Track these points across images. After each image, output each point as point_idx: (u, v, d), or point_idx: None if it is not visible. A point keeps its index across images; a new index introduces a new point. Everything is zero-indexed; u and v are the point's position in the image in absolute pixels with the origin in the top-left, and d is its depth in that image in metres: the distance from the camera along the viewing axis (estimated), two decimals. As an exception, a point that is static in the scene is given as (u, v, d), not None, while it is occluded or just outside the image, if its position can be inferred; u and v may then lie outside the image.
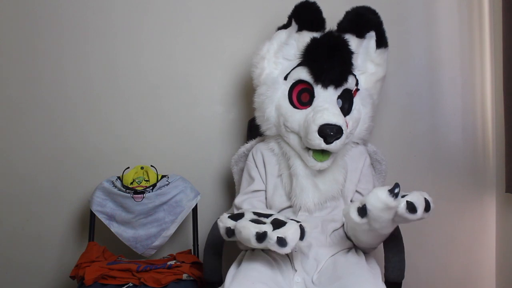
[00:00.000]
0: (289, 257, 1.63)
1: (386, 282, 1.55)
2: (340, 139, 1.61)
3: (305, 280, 1.55)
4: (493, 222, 2.20)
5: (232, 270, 1.55)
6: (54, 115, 2.20)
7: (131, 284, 1.77)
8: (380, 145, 1.97)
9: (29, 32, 2.19)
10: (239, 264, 1.59)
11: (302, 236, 1.38)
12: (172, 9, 2.17)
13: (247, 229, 1.38)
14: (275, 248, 1.36)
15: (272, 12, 1.97)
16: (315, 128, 1.60)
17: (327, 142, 1.60)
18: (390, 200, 1.36)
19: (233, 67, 2.16)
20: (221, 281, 1.55)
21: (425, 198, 1.41)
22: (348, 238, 1.68)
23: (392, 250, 1.58)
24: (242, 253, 1.68)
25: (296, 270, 1.58)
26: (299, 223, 1.40)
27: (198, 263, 1.90)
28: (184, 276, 1.79)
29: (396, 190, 1.36)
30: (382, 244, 1.62)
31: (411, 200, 1.37)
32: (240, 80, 2.15)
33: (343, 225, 1.69)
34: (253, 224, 1.39)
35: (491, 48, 2.16)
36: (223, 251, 1.67)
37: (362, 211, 1.42)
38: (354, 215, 1.44)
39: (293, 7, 1.79)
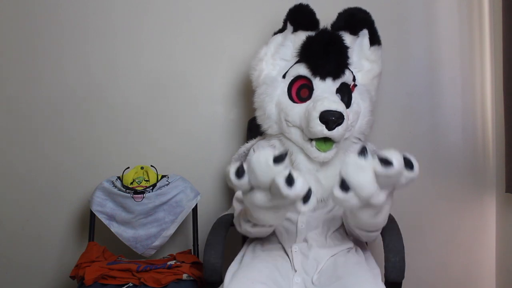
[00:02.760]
0: (289, 257, 1.63)
1: (386, 282, 1.55)
2: (342, 125, 1.62)
3: (304, 280, 1.55)
4: (493, 222, 2.20)
5: (231, 270, 1.55)
6: (54, 115, 2.20)
7: (131, 284, 1.77)
8: (380, 145, 1.96)
9: (29, 32, 2.19)
10: (239, 263, 1.59)
11: (307, 197, 1.29)
12: (172, 9, 2.18)
13: (264, 153, 1.30)
14: (281, 181, 1.26)
15: (272, 12, 1.98)
16: (316, 115, 1.60)
17: (329, 128, 1.60)
18: (361, 160, 1.27)
19: (233, 67, 2.16)
20: (221, 281, 1.55)
21: (404, 156, 1.31)
22: (350, 233, 1.68)
23: (392, 250, 1.58)
24: (242, 252, 1.68)
25: (295, 270, 1.58)
26: (309, 187, 1.31)
27: (198, 263, 1.90)
28: (184, 276, 1.79)
29: (364, 150, 1.29)
30: (382, 244, 1.62)
31: (383, 155, 1.28)
32: (240, 80, 2.15)
33: (343, 224, 1.69)
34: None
35: (491, 48, 2.16)
36: (223, 251, 1.67)
37: (343, 185, 1.29)
38: (338, 193, 1.29)
39: (287, 11, 1.83)
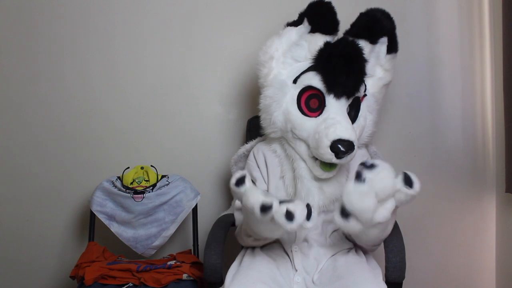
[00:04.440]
0: (289, 257, 1.63)
1: (387, 282, 1.55)
2: (351, 154, 1.58)
3: (305, 280, 1.55)
4: (493, 222, 2.20)
5: (232, 270, 1.55)
6: (54, 115, 2.20)
7: (131, 284, 1.77)
8: (380, 145, 1.97)
9: (29, 32, 2.18)
10: (239, 264, 1.59)
11: (308, 216, 1.35)
12: (172, 9, 2.17)
13: (254, 198, 1.35)
14: (282, 220, 1.32)
15: (272, 12, 1.98)
16: (327, 143, 1.56)
17: (339, 157, 1.57)
18: (360, 186, 1.31)
19: (233, 67, 2.16)
20: (222, 281, 1.55)
21: (404, 173, 1.41)
22: (348, 238, 1.68)
23: (392, 250, 1.58)
24: (242, 253, 1.68)
25: (296, 270, 1.58)
26: (307, 203, 1.37)
27: (198, 263, 1.90)
28: (184, 276, 1.79)
29: (360, 173, 1.33)
30: (382, 244, 1.62)
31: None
32: (240, 80, 2.15)
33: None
34: (262, 194, 1.36)
35: (491, 48, 2.16)
36: (223, 251, 1.67)
37: (344, 212, 1.35)
38: (339, 220, 1.37)
39: (307, 5, 1.74)
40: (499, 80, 2.06)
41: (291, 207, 1.32)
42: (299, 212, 1.32)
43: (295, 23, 1.76)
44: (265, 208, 1.33)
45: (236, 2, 2.17)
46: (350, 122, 1.64)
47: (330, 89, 1.63)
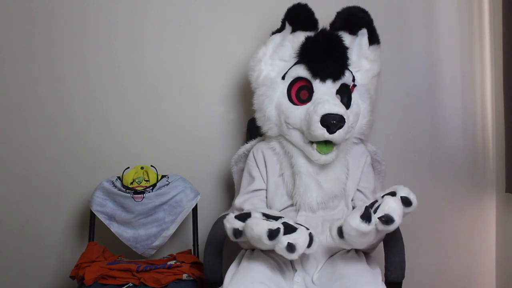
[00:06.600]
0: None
1: (387, 282, 1.55)
2: (343, 128, 1.62)
3: (305, 280, 1.55)
4: (493, 222, 2.20)
5: (231, 270, 1.55)
6: (54, 115, 2.20)
7: (131, 284, 1.77)
8: (380, 145, 1.97)
9: (29, 32, 2.19)
10: (239, 263, 1.59)
11: (310, 244, 1.38)
12: (172, 9, 2.18)
13: (259, 226, 1.37)
14: (283, 253, 1.36)
15: (271, 12, 1.97)
16: (317, 118, 1.61)
17: (330, 131, 1.61)
18: (363, 226, 1.35)
19: (233, 67, 2.16)
20: (221, 281, 1.55)
21: (401, 198, 1.38)
22: None
23: (392, 250, 1.58)
24: (242, 253, 1.68)
25: (296, 270, 1.58)
26: (309, 231, 1.40)
27: (198, 263, 1.90)
28: (184, 276, 1.79)
29: (368, 214, 1.35)
30: (382, 244, 1.62)
31: (384, 213, 1.35)
32: (240, 80, 2.15)
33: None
34: (265, 221, 1.39)
35: (491, 48, 2.16)
36: (223, 251, 1.67)
37: (340, 233, 1.41)
38: (335, 235, 1.43)
39: (286, 10, 1.82)
40: (499, 80, 2.06)
41: (292, 239, 1.35)
42: (301, 244, 1.36)
43: (278, 30, 1.85)
44: (273, 234, 1.36)
45: (237, 2, 2.18)
46: (338, 100, 1.69)
47: (315, 74, 1.71)
